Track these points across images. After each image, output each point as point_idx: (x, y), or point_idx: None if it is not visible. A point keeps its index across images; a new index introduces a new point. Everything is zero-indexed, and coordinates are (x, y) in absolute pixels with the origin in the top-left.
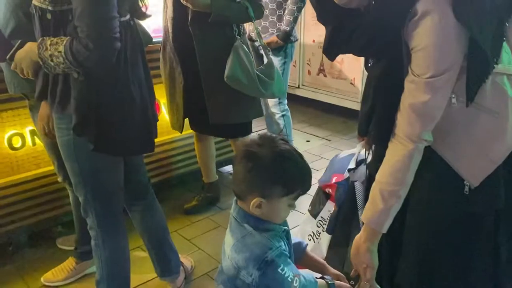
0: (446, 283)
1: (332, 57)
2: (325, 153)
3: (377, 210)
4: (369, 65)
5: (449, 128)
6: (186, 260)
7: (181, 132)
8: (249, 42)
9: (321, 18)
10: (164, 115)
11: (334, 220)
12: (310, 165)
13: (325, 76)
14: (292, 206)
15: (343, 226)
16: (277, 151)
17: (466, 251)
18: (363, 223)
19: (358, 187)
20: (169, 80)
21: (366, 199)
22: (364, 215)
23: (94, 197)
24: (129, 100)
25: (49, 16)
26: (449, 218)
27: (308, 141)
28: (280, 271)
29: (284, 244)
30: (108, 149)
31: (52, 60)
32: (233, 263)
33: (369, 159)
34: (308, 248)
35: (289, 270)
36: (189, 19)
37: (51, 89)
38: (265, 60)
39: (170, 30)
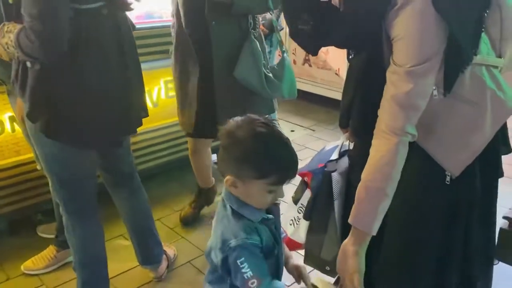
0: (425, 274)
1: (314, 53)
2: (309, 143)
3: (363, 210)
4: (350, 57)
5: (430, 121)
6: (169, 249)
7: (192, 134)
8: (262, 36)
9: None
10: (147, 102)
11: (311, 207)
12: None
13: (310, 66)
14: (274, 194)
15: (320, 214)
16: (252, 132)
17: (446, 241)
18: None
19: (335, 177)
20: (181, 76)
21: (348, 190)
22: (351, 217)
23: (60, 185)
24: (84, 90)
25: (10, 0)
26: (432, 208)
27: (292, 131)
28: (239, 264)
29: (261, 239)
30: (59, 138)
31: (8, 48)
32: (210, 241)
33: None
34: (289, 233)
35: (249, 267)
36: (205, 8)
37: (15, 74)
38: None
39: (182, 17)
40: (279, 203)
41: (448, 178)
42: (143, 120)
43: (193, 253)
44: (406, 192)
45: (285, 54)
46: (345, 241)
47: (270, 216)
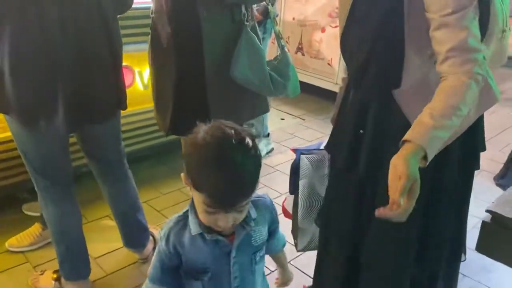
0: (408, 260)
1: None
2: (299, 132)
3: (422, 126)
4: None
5: (422, 89)
6: (156, 231)
7: (167, 134)
8: (257, 26)
9: None
10: (137, 84)
11: (293, 183)
12: (283, 143)
13: (303, 55)
14: (214, 218)
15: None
16: (197, 140)
17: (420, 229)
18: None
19: (303, 159)
20: (158, 71)
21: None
22: (406, 135)
23: (28, 161)
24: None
25: None
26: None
27: (282, 119)
28: (154, 255)
29: (178, 252)
30: (9, 113)
31: None
32: None
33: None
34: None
35: (153, 268)
36: None
37: None
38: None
39: (166, 7)
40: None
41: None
42: (133, 102)
43: None
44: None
45: (285, 49)
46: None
47: (220, 237)
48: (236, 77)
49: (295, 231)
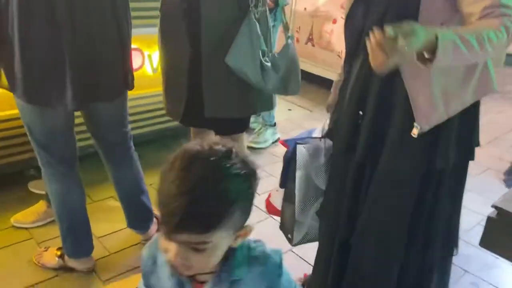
0: (399, 248)
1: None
2: (305, 123)
3: (444, 30)
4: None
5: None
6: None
7: (179, 121)
8: (268, 14)
9: None
10: (145, 68)
11: (284, 176)
12: (289, 133)
13: (313, 46)
14: (163, 238)
15: (292, 183)
16: (174, 160)
17: (413, 217)
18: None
19: (300, 149)
20: (171, 52)
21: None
22: None
23: (32, 136)
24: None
25: None
26: (405, 174)
27: (289, 109)
28: None
29: (147, 277)
30: (14, 91)
31: None
32: None
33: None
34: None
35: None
36: None
37: None
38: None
39: None
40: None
41: (415, 130)
42: (141, 85)
43: None
44: (386, 154)
45: (289, 41)
46: None
47: (184, 279)
48: (230, 65)
49: (287, 226)
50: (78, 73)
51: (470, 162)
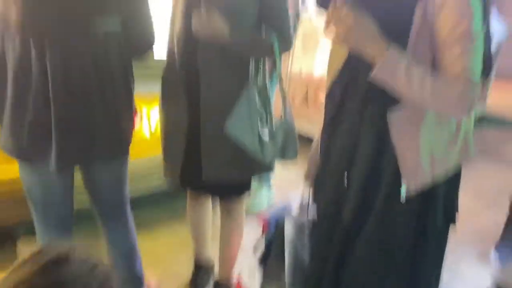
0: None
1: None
2: (301, 183)
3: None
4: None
5: (415, 126)
6: (152, 282)
7: (181, 187)
8: (267, 82)
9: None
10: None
11: (265, 255)
12: (287, 194)
13: (307, 107)
14: None
15: (275, 261)
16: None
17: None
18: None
19: (288, 225)
20: (170, 116)
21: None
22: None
23: (29, 202)
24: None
25: None
26: (408, 210)
27: (286, 169)
28: None
29: None
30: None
31: None
32: None
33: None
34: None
35: None
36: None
37: None
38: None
39: (177, 53)
40: None
41: (403, 193)
42: (143, 148)
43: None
44: (372, 224)
45: (287, 111)
46: None
47: None
48: (230, 135)
49: None
50: (65, 130)
51: None
